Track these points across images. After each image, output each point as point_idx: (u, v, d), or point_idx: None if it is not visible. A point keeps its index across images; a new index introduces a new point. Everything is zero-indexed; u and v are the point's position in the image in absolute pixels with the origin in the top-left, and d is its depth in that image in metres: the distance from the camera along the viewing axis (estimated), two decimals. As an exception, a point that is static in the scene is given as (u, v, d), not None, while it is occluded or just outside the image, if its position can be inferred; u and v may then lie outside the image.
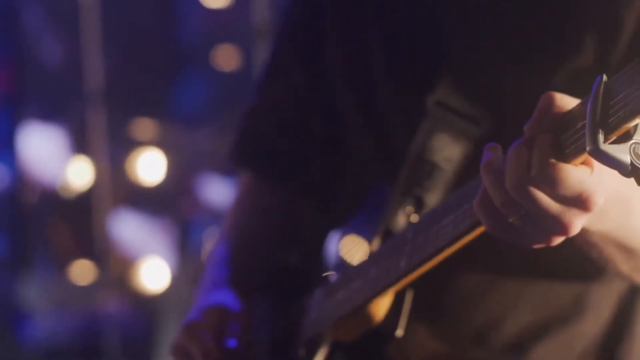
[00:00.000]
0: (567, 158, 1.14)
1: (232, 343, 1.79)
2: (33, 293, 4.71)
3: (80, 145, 4.69)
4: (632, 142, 1.10)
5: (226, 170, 4.37)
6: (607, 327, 1.74)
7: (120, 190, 4.78)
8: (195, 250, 4.78)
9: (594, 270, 1.69)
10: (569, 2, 1.60)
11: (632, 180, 1.29)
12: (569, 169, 1.13)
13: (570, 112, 1.15)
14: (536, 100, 1.18)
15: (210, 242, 2.03)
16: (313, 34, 1.88)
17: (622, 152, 1.10)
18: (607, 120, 1.10)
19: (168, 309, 4.63)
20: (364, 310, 1.61)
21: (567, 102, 1.16)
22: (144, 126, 4.75)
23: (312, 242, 1.88)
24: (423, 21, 1.74)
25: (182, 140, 4.83)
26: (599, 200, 1.16)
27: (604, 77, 1.13)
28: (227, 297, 1.89)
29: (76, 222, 4.77)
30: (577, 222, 1.18)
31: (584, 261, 1.56)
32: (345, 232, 1.74)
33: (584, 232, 1.31)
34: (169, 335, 4.21)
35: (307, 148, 1.93)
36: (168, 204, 4.90)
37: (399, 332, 1.61)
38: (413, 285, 1.61)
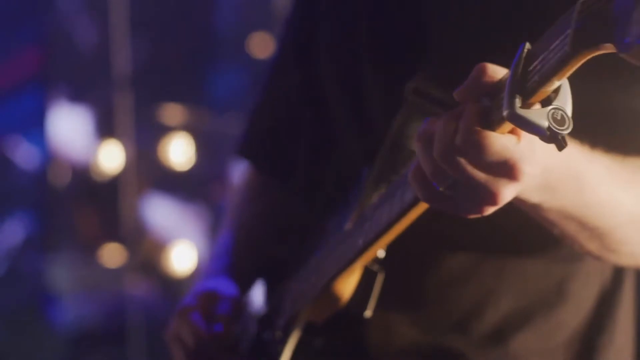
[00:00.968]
0: (493, 126, 1.14)
1: (219, 327, 1.82)
2: (62, 275, 4.76)
3: (109, 128, 4.72)
4: (551, 107, 1.10)
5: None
6: (588, 317, 1.74)
7: (149, 174, 4.82)
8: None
9: (575, 258, 1.70)
10: None
11: (583, 156, 1.31)
12: (493, 136, 1.13)
13: (500, 81, 1.15)
14: None
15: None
16: (309, 29, 1.93)
17: (540, 117, 1.10)
18: (525, 85, 1.10)
19: (196, 292, 4.65)
20: (331, 289, 1.64)
21: (498, 71, 1.16)
22: (173, 111, 4.77)
23: (299, 231, 1.91)
24: (406, 10, 1.75)
25: (213, 125, 4.85)
26: (526, 168, 1.15)
27: (527, 45, 1.13)
28: (221, 284, 1.94)
29: (105, 206, 4.81)
30: (506, 191, 1.17)
31: (564, 249, 1.56)
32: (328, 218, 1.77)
33: (539, 209, 1.34)
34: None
35: (301, 143, 1.97)
36: (198, 188, 4.93)
37: (368, 313, 1.63)
38: (387, 270, 1.64)
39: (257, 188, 2.10)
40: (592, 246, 1.47)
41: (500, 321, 1.72)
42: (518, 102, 1.10)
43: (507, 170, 1.15)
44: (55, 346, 4.67)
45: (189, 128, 4.81)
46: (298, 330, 1.71)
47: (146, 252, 4.75)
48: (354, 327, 1.70)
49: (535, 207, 1.34)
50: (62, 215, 4.85)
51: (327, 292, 1.64)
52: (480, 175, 1.16)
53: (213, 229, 4.85)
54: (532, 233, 1.66)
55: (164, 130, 4.80)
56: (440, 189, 1.21)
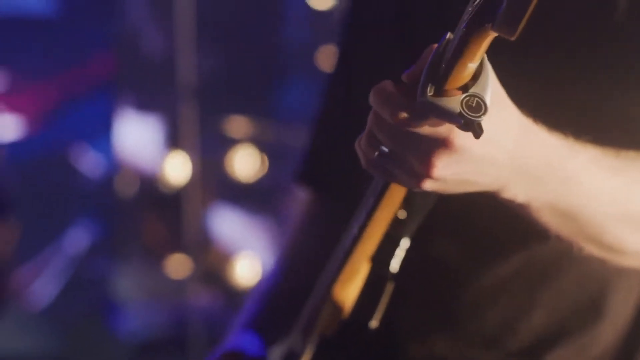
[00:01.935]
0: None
1: None
2: (127, 284, 4.81)
3: (176, 139, 4.77)
4: (465, 94, 1.09)
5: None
6: (624, 332, 1.68)
7: (215, 185, 4.85)
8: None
9: (612, 273, 1.65)
10: None
11: (565, 146, 1.27)
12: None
13: None
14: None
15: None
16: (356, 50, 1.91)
17: (453, 105, 1.08)
18: (439, 72, 1.10)
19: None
20: (330, 298, 1.61)
21: None
22: (239, 123, 4.80)
23: None
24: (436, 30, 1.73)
25: (279, 137, 4.86)
26: (462, 142, 1.14)
27: (449, 34, 1.13)
28: (248, 342, 1.91)
29: (172, 216, 4.85)
30: (438, 162, 1.16)
31: (601, 265, 1.52)
32: None
33: (530, 209, 1.31)
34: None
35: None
36: (264, 200, 4.95)
37: (374, 323, 1.58)
38: (406, 279, 1.59)
39: (316, 213, 2.04)
40: (591, 247, 1.43)
41: (533, 337, 1.68)
42: (430, 90, 1.09)
43: (436, 142, 1.14)
44: (118, 354, 4.71)
45: (255, 140, 4.84)
46: (312, 345, 1.69)
47: (211, 263, 4.78)
48: (370, 339, 1.65)
49: (526, 207, 1.31)
50: (128, 224, 4.90)
51: (330, 299, 1.61)
52: (405, 146, 1.17)
53: (277, 240, 4.86)
54: (564, 247, 1.62)
55: (229, 142, 4.83)
56: (374, 154, 1.21)
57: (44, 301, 4.76)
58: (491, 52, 1.13)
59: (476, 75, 1.10)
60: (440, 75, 1.10)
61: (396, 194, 1.36)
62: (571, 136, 1.30)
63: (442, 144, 1.14)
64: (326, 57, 4.97)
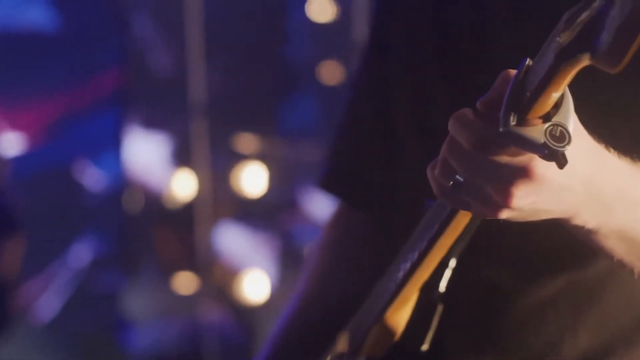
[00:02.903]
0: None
1: None
2: (137, 300, 4.81)
3: (183, 156, 4.78)
4: (549, 124, 1.07)
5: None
6: None
7: (223, 202, 4.86)
8: (296, 262, 4.83)
9: None
10: None
11: (629, 169, 1.25)
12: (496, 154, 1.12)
13: None
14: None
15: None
16: (382, 58, 1.88)
17: (536, 135, 1.06)
18: (521, 102, 1.08)
19: (267, 320, 4.68)
20: (381, 323, 1.60)
21: None
22: (246, 140, 4.81)
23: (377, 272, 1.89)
24: (479, 46, 1.71)
25: (285, 153, 4.88)
26: (545, 171, 1.12)
27: (528, 61, 1.11)
28: None
29: (180, 232, 4.86)
30: (518, 192, 1.13)
31: None
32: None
33: (597, 235, 1.28)
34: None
35: (385, 178, 1.92)
36: (270, 216, 4.96)
37: (424, 347, 1.58)
38: (453, 299, 1.59)
39: (342, 227, 2.01)
40: (631, 258, 1.38)
41: (578, 357, 1.67)
42: (513, 119, 1.08)
43: (516, 171, 1.12)
44: (129, 371, 4.73)
45: (261, 156, 4.85)
46: None
47: (219, 280, 4.79)
48: None
49: (593, 233, 1.28)
50: (137, 240, 4.90)
51: (379, 325, 1.61)
52: (483, 176, 1.14)
53: (284, 257, 4.87)
54: (611, 267, 1.64)
55: (237, 159, 4.85)
56: (449, 184, 1.19)
57: (50, 316, 4.75)
58: None
59: (558, 104, 1.08)
60: (523, 105, 1.08)
61: (462, 220, 1.34)
62: (638, 160, 1.28)
63: (523, 173, 1.12)
64: (328, 72, 4.99)
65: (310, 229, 4.85)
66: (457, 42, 1.75)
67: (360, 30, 4.48)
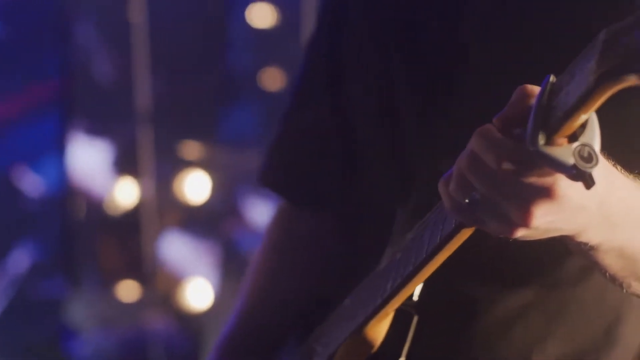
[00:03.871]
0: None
1: None
2: (80, 309, 4.76)
3: (127, 163, 4.74)
4: (577, 144, 1.07)
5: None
6: (637, 358, 1.71)
7: (166, 210, 4.83)
8: (239, 269, 4.81)
9: (625, 302, 1.68)
10: (595, 5, 1.51)
11: (634, 188, 1.26)
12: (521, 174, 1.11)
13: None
14: None
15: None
16: (337, 55, 1.87)
17: (565, 155, 1.07)
18: (549, 121, 1.08)
19: (211, 328, 4.66)
20: (361, 335, 1.59)
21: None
22: (190, 147, 4.80)
23: (335, 269, 1.88)
24: (444, 30, 1.70)
25: (228, 160, 4.87)
26: (566, 191, 1.12)
27: (552, 78, 1.10)
28: None
29: (122, 240, 4.82)
30: (538, 212, 1.13)
31: (615, 293, 1.55)
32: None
33: (598, 252, 1.29)
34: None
35: (334, 175, 1.91)
36: (213, 224, 4.94)
37: (402, 359, 1.59)
38: (430, 315, 1.60)
39: (287, 225, 2.02)
40: (625, 273, 1.40)
41: None
42: (542, 138, 1.07)
43: (539, 190, 1.13)
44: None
45: (205, 164, 4.83)
46: None
47: (162, 288, 4.76)
48: None
49: (594, 249, 1.29)
50: (79, 247, 4.85)
51: (358, 336, 1.60)
52: (504, 194, 1.14)
53: (226, 265, 4.86)
54: (584, 279, 1.66)
55: (181, 166, 4.82)
56: (465, 200, 1.19)
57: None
58: None
59: (584, 124, 1.08)
60: (551, 125, 1.07)
61: (464, 236, 1.33)
62: (632, 174, 1.30)
63: (546, 193, 1.13)
64: (270, 78, 4.99)
65: (253, 236, 4.84)
66: (425, 53, 1.74)
67: (303, 35, 4.48)
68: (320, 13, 1.96)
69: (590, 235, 1.25)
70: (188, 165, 4.83)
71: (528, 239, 1.21)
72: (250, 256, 4.67)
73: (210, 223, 4.93)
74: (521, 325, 1.70)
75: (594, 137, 1.09)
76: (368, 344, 1.61)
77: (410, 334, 1.60)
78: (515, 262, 1.66)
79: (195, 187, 4.85)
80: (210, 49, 5.01)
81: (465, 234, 1.32)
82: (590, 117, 1.09)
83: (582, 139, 1.08)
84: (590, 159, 1.07)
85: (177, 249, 4.88)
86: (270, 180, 2.01)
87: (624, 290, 1.41)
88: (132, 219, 4.70)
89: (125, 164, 4.77)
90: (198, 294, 4.77)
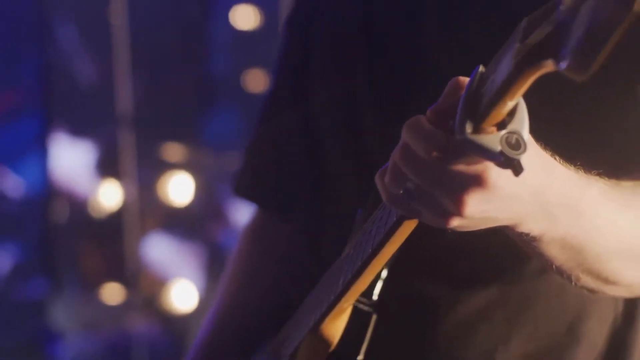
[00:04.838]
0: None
1: None
2: (63, 312, 4.76)
3: (109, 166, 4.74)
4: (505, 131, 1.08)
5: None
6: (601, 357, 1.71)
7: (149, 212, 4.83)
8: (223, 271, 4.80)
9: (587, 299, 1.68)
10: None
11: (579, 180, 1.27)
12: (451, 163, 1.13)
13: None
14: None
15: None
16: (303, 60, 1.89)
17: (492, 142, 1.07)
18: (477, 109, 1.08)
19: (196, 329, 4.66)
20: (318, 333, 1.60)
21: None
22: (172, 149, 4.80)
23: (302, 273, 1.89)
24: (405, 46, 1.72)
25: (210, 162, 4.87)
26: (497, 180, 1.13)
27: (481, 67, 1.11)
28: None
29: (105, 243, 4.82)
30: (470, 201, 1.14)
31: (576, 289, 1.55)
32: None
33: (540, 242, 1.29)
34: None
35: (304, 181, 1.93)
36: (197, 226, 4.94)
37: (360, 357, 1.58)
38: (383, 311, 1.59)
39: (258, 230, 2.04)
40: (588, 279, 1.42)
41: None
42: (469, 127, 1.08)
43: (470, 179, 1.14)
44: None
45: (187, 166, 4.84)
46: None
47: (146, 290, 4.77)
48: None
49: (536, 240, 1.29)
50: (61, 250, 4.85)
51: (315, 334, 1.61)
52: (436, 183, 1.15)
53: (211, 267, 4.86)
54: (545, 275, 1.66)
55: (163, 168, 4.83)
56: (399, 191, 1.20)
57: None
58: None
59: (512, 111, 1.09)
60: (478, 112, 1.08)
61: (407, 229, 1.33)
62: (581, 168, 1.31)
63: (476, 181, 1.14)
64: (253, 80, 4.99)
65: (236, 238, 4.83)
66: (386, 49, 1.75)
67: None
68: (286, 22, 1.98)
69: (530, 225, 1.25)
70: (171, 167, 4.83)
71: (466, 229, 1.22)
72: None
73: (193, 225, 4.93)
74: (484, 327, 1.70)
75: (522, 124, 1.09)
76: (325, 341, 1.61)
77: (368, 333, 1.60)
78: (475, 263, 1.67)
79: (178, 189, 4.85)
80: (192, 50, 5.01)
81: (408, 226, 1.32)
82: (518, 105, 1.09)
83: (510, 127, 1.08)
84: (518, 146, 1.08)
85: (161, 251, 4.89)
86: (243, 188, 2.03)
87: (573, 284, 1.41)
88: (115, 221, 4.70)
89: (107, 166, 4.77)
90: (182, 295, 4.78)
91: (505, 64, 1.05)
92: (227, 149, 4.96)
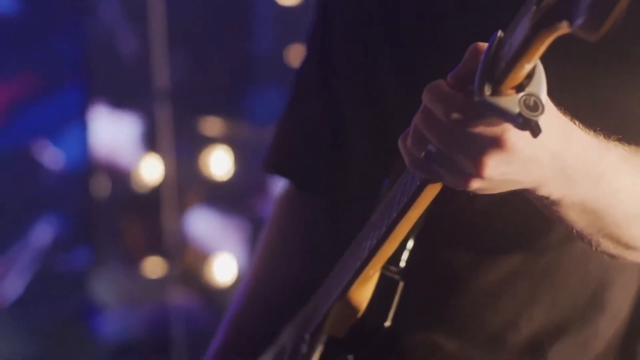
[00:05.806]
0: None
1: None
2: (104, 286, 4.80)
3: (150, 140, 4.77)
4: (523, 93, 1.10)
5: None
6: (623, 326, 1.71)
7: (190, 186, 4.86)
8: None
9: (611, 268, 1.68)
10: None
11: (598, 144, 1.28)
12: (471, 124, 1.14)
13: None
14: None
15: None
16: (327, 52, 1.91)
17: (511, 104, 1.10)
18: (495, 72, 1.11)
19: (236, 303, 4.68)
20: (345, 299, 1.62)
21: None
22: (212, 124, 4.81)
23: (331, 248, 1.90)
24: (426, 24, 1.74)
25: (252, 136, 4.88)
26: (517, 142, 1.14)
27: (500, 33, 1.14)
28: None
29: (147, 217, 4.85)
30: (490, 162, 1.16)
31: (599, 258, 1.55)
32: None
33: (560, 207, 1.31)
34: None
35: (330, 154, 1.95)
36: (238, 200, 4.96)
37: (387, 323, 1.62)
38: (417, 283, 1.62)
39: (286, 205, 2.06)
40: (608, 244, 1.42)
41: (535, 333, 1.71)
42: (488, 89, 1.10)
43: (489, 140, 1.15)
44: (98, 357, 4.70)
45: (228, 140, 4.85)
46: (320, 346, 1.70)
47: (187, 264, 4.79)
48: (380, 341, 1.67)
49: (556, 204, 1.30)
50: (103, 224, 4.89)
51: (343, 301, 1.63)
52: (456, 145, 1.17)
53: (252, 240, 4.88)
54: (568, 245, 1.66)
55: (203, 143, 4.84)
56: (421, 154, 1.22)
57: (12, 299, 4.70)
58: None
59: (530, 74, 1.11)
60: (497, 75, 1.10)
61: (430, 193, 1.35)
62: (601, 134, 1.31)
63: (495, 143, 1.15)
64: (295, 56, 4.99)
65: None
66: (406, 28, 1.77)
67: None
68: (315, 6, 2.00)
69: (549, 188, 1.26)
70: (212, 141, 4.85)
71: (487, 191, 1.23)
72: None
73: (235, 199, 4.95)
74: (508, 295, 1.71)
75: (540, 87, 1.11)
76: (353, 308, 1.63)
77: (395, 300, 1.62)
78: (499, 231, 1.68)
79: (219, 163, 4.87)
80: (234, 25, 5.02)
81: (431, 190, 1.34)
82: (536, 68, 1.11)
83: (529, 89, 1.10)
84: (536, 107, 1.09)
85: (202, 224, 4.91)
86: (271, 163, 2.06)
87: (594, 249, 1.42)
88: (156, 195, 4.73)
89: (149, 140, 4.80)
90: (223, 269, 4.80)
91: (522, 27, 1.07)
92: (269, 123, 4.97)
